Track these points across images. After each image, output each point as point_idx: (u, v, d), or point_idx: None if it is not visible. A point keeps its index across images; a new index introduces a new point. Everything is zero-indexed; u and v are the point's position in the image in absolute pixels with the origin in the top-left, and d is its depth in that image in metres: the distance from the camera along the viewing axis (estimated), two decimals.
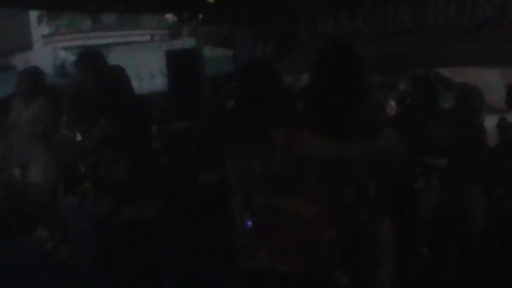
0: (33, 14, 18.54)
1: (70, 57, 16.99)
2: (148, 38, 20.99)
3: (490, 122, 6.48)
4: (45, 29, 20.49)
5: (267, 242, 2.60)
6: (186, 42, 12.77)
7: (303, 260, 2.56)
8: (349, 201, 2.81)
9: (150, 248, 3.74)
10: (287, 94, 2.64)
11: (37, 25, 19.43)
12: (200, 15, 7.28)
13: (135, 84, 3.94)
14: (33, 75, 4.96)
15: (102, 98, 3.70)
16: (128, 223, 3.53)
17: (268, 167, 2.51)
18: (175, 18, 8.58)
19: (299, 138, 2.51)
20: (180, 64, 6.63)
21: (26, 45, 18.85)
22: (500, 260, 3.93)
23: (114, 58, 12.61)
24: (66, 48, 19.49)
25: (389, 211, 2.93)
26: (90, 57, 4.35)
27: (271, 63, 2.83)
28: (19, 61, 17.38)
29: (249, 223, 2.65)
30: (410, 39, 4.64)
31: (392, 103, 7.83)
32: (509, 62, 4.61)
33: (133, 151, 3.52)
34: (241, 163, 2.60)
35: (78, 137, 4.28)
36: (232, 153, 2.65)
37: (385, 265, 2.96)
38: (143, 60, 12.01)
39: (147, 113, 4.03)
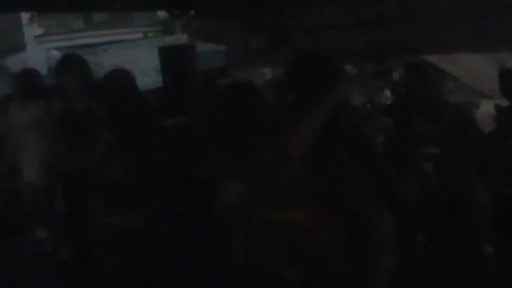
0: (25, 15, 18.49)
1: None
2: (140, 35, 20.92)
3: (482, 108, 6.51)
4: (37, 30, 20.44)
5: (271, 254, 2.55)
6: (179, 38, 12.74)
7: (311, 267, 2.53)
8: (351, 199, 2.81)
9: (140, 252, 3.71)
10: (266, 106, 2.57)
11: (29, 26, 19.41)
12: (192, 11, 7.28)
13: None
14: (31, 76, 4.90)
15: (108, 106, 3.57)
16: (119, 227, 3.47)
17: (267, 182, 2.47)
18: (167, 15, 8.54)
19: (294, 134, 2.44)
20: (173, 60, 6.61)
21: (19, 47, 18.77)
22: (498, 246, 3.95)
23: (107, 57, 12.60)
24: (58, 49, 19.42)
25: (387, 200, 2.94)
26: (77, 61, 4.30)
27: (249, 82, 2.75)
28: (12, 62, 17.31)
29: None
30: (398, 26, 4.63)
31: (387, 92, 7.85)
32: (499, 47, 4.61)
33: (134, 154, 3.45)
34: (242, 184, 2.56)
35: None
36: (231, 176, 2.62)
37: (385, 256, 2.96)
38: (136, 58, 11.96)
39: (148, 115, 3.91)
